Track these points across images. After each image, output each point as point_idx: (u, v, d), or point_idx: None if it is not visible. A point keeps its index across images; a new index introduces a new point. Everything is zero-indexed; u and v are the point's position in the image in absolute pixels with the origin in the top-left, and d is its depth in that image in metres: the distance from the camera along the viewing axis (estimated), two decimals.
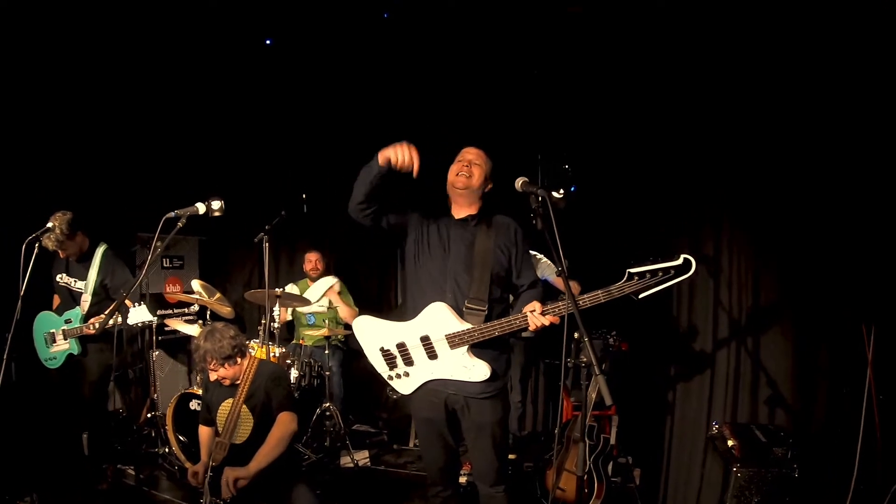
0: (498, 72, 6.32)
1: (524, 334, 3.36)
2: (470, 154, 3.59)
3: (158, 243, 3.60)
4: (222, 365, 3.99)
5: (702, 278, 4.83)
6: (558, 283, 5.09)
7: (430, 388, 3.53)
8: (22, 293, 4.52)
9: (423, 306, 3.46)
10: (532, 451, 6.16)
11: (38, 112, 5.94)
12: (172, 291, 7.59)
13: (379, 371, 3.64)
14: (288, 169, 8.06)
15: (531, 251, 3.83)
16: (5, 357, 4.26)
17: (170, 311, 7.58)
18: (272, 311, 6.09)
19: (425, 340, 3.44)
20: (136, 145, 6.89)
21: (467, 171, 3.53)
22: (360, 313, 3.71)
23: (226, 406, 4.10)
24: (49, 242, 4.92)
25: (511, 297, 3.71)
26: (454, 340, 3.38)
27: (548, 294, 3.67)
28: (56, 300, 5.52)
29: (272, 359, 5.77)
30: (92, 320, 5.10)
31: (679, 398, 5.16)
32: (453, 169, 3.59)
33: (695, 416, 4.93)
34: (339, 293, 7.11)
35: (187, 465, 5.39)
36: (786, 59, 4.40)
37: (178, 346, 7.38)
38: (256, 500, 3.91)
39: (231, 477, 3.74)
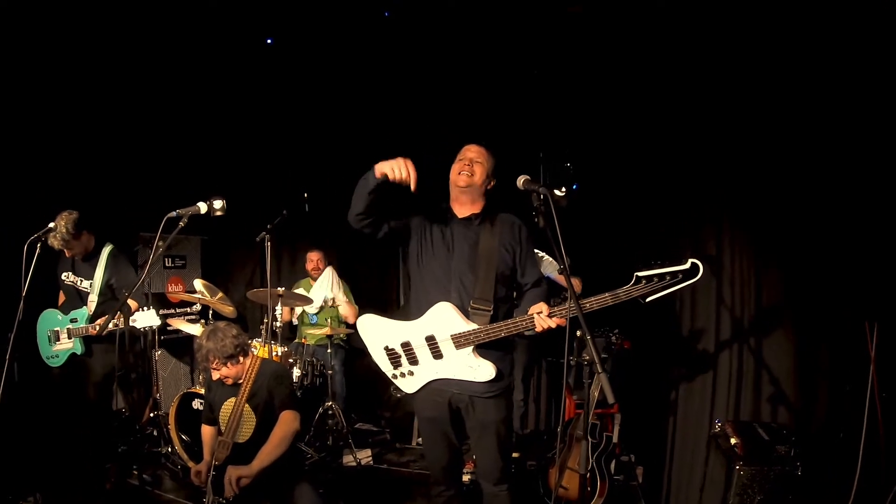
0: (499, 71, 6.32)
1: (527, 333, 3.35)
2: (471, 152, 3.57)
3: (160, 243, 3.60)
4: (225, 364, 3.99)
5: (704, 277, 4.79)
6: (560, 280, 5.08)
7: (435, 388, 3.52)
8: (24, 293, 4.53)
9: (427, 306, 3.45)
10: (535, 450, 6.16)
11: (41, 112, 5.95)
12: (175, 291, 7.59)
13: (383, 370, 3.63)
14: (289, 168, 8.07)
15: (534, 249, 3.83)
16: (8, 357, 4.27)
17: (172, 311, 7.58)
18: (274, 310, 6.10)
19: (430, 340, 3.44)
20: (137, 145, 6.89)
21: (469, 169, 3.51)
22: (362, 312, 3.69)
23: (228, 405, 4.11)
24: (55, 241, 4.93)
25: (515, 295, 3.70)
26: (460, 341, 3.37)
27: (550, 291, 3.67)
28: (62, 297, 5.52)
29: (274, 358, 5.78)
30: (97, 321, 5.10)
31: (681, 396, 5.16)
32: (455, 168, 3.58)
33: (697, 414, 4.93)
34: (341, 290, 7.14)
35: (190, 464, 5.39)
36: (787, 56, 4.40)
37: (181, 346, 7.39)
38: (259, 498, 3.91)
39: (234, 476, 3.74)
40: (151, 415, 6.37)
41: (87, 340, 5.21)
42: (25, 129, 5.88)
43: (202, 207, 3.64)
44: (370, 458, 6.39)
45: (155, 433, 6.25)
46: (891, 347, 3.93)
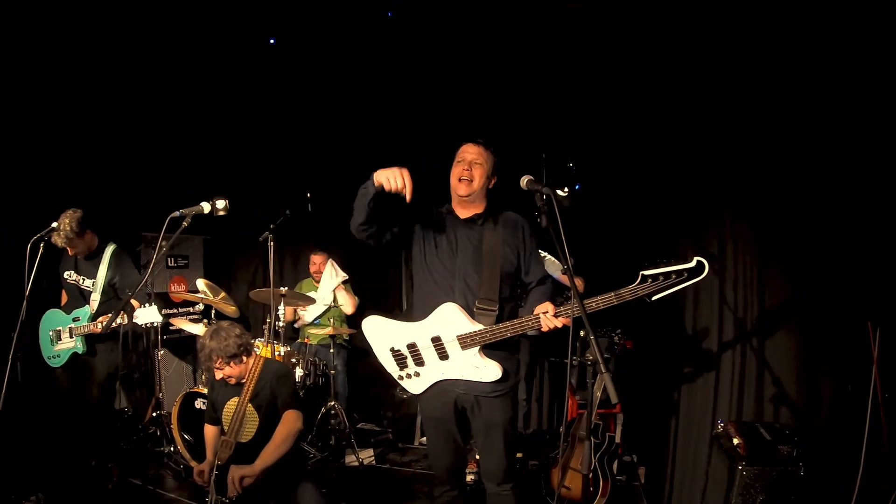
0: (501, 70, 6.31)
1: (530, 332, 3.35)
2: (470, 154, 3.54)
3: (164, 242, 3.61)
4: (228, 363, 4.00)
5: (707, 276, 4.82)
6: (564, 280, 5.09)
7: (440, 388, 3.52)
8: (27, 293, 4.53)
9: (433, 307, 3.44)
10: (537, 450, 6.16)
11: (44, 112, 5.95)
12: (177, 291, 7.60)
13: (389, 371, 3.63)
14: (292, 168, 8.07)
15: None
16: (11, 356, 4.27)
17: (175, 311, 7.59)
18: (277, 310, 6.10)
19: (436, 341, 3.43)
20: (140, 145, 6.90)
21: (468, 174, 3.49)
22: (366, 313, 3.69)
23: (231, 405, 4.11)
24: (58, 239, 4.92)
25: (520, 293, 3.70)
26: (466, 341, 3.37)
27: (553, 291, 3.67)
28: (64, 297, 5.52)
29: (277, 357, 5.78)
30: (100, 319, 5.10)
31: (684, 396, 5.16)
32: (454, 172, 3.56)
33: (700, 415, 4.93)
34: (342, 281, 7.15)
35: (192, 463, 5.40)
36: (792, 54, 4.39)
37: (183, 346, 7.41)
38: (262, 498, 3.91)
39: (237, 475, 3.75)
40: (154, 414, 6.38)
41: (90, 340, 5.21)
42: (29, 130, 5.88)
43: (205, 207, 3.64)
44: (372, 458, 6.40)
45: (157, 433, 6.26)
46: (894, 348, 3.92)
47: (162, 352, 6.54)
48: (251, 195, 7.24)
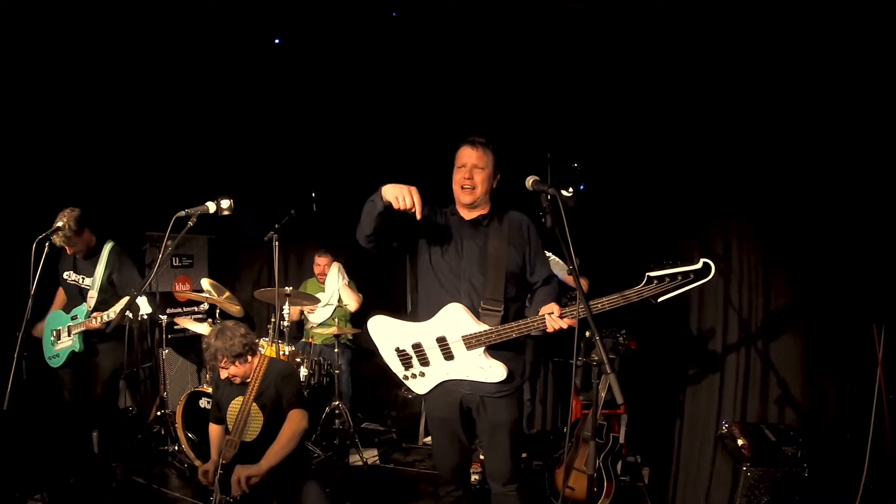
0: (505, 71, 6.31)
1: (535, 333, 3.35)
2: (470, 158, 3.49)
3: (169, 242, 3.61)
4: (233, 363, 4.00)
5: (713, 278, 4.82)
6: (568, 280, 5.09)
7: (446, 388, 3.52)
8: (32, 292, 4.55)
9: (438, 308, 3.44)
10: (541, 450, 6.16)
11: (49, 112, 5.98)
12: (182, 290, 7.62)
13: (394, 371, 3.63)
14: (297, 168, 8.08)
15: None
16: (16, 355, 4.28)
17: (179, 310, 7.60)
18: (282, 310, 6.11)
19: (441, 341, 3.44)
20: (144, 145, 6.92)
21: (470, 182, 3.46)
22: (371, 314, 3.69)
23: (236, 404, 4.12)
24: (57, 238, 4.92)
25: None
26: (471, 342, 3.37)
27: (559, 291, 3.67)
28: (58, 296, 5.51)
29: (282, 357, 5.79)
30: (94, 315, 5.09)
31: (688, 397, 5.16)
32: (456, 178, 3.54)
33: (704, 415, 4.93)
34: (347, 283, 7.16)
35: (197, 463, 5.41)
36: (798, 53, 4.39)
37: (188, 345, 7.42)
38: (267, 497, 3.92)
39: (243, 475, 3.75)
40: (158, 413, 6.40)
41: (89, 338, 5.19)
42: (34, 130, 5.90)
43: (210, 207, 3.63)
44: (376, 458, 6.41)
45: (162, 431, 6.28)
46: None
47: (166, 351, 6.55)
48: (256, 195, 7.25)
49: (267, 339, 6.06)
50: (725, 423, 4.54)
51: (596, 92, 6.17)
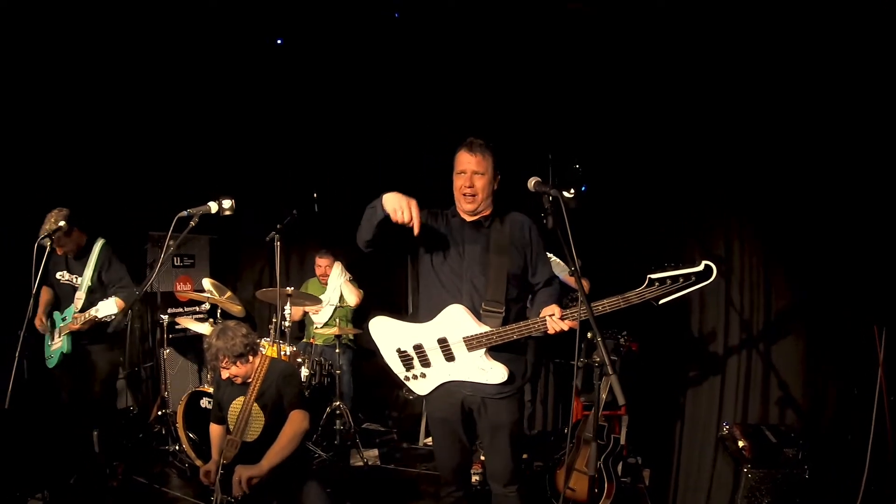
0: (506, 71, 6.32)
1: (535, 334, 3.35)
2: (470, 164, 3.45)
3: (171, 242, 3.61)
4: (234, 363, 4.00)
5: (714, 280, 4.82)
6: (570, 281, 5.09)
7: (447, 389, 3.52)
8: (34, 292, 4.56)
9: (439, 309, 3.44)
10: (542, 451, 6.16)
11: (50, 113, 5.99)
12: (183, 290, 7.62)
13: (395, 372, 3.63)
14: (298, 168, 8.08)
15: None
16: (17, 354, 4.28)
17: (181, 310, 7.61)
18: (283, 310, 6.11)
19: (443, 342, 3.44)
20: (146, 145, 6.93)
21: (471, 190, 3.45)
22: (372, 314, 3.69)
23: (237, 404, 4.12)
24: (43, 239, 4.92)
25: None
26: (472, 343, 3.37)
27: (560, 292, 3.66)
28: (43, 296, 5.45)
29: (283, 357, 5.79)
30: (75, 316, 5.07)
31: (689, 398, 5.16)
32: (456, 185, 3.52)
33: (705, 417, 4.93)
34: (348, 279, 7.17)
35: (198, 462, 5.41)
36: (799, 54, 4.39)
37: (189, 344, 7.43)
38: (268, 497, 3.92)
39: (245, 476, 3.75)
40: (159, 413, 6.40)
41: (79, 340, 5.20)
42: (35, 131, 5.92)
43: (212, 207, 3.64)
44: (377, 458, 6.40)
45: (163, 431, 6.29)
46: None
47: (168, 350, 6.56)
48: (257, 195, 7.27)
49: (268, 339, 6.07)
50: (726, 424, 4.54)
51: (597, 93, 6.17)
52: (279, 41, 6.51)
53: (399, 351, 3.56)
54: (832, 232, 4.26)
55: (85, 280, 5.21)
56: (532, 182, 3.25)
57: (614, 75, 5.89)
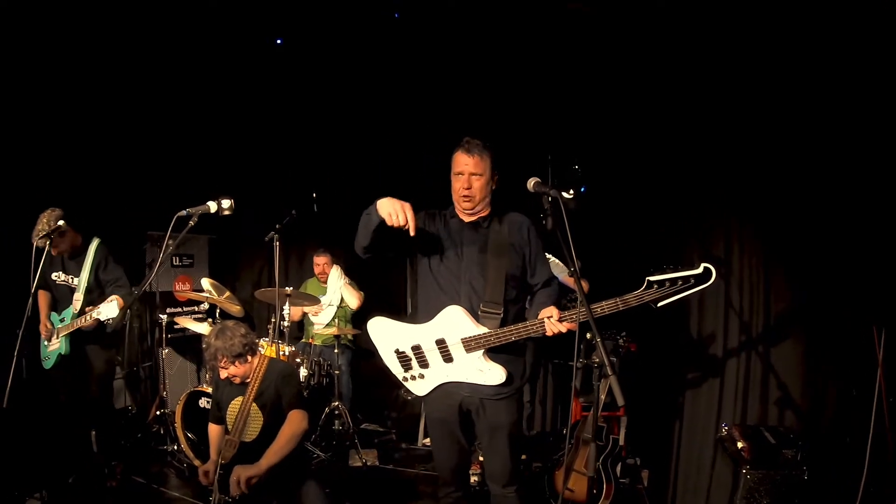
0: (505, 71, 6.31)
1: (533, 335, 3.34)
2: (467, 166, 3.44)
3: (170, 241, 3.61)
4: (233, 363, 3.99)
5: (712, 282, 4.82)
6: (569, 282, 5.09)
7: (445, 390, 3.51)
8: (33, 290, 4.56)
9: (437, 309, 3.43)
10: (541, 452, 6.16)
11: (50, 112, 5.99)
12: (182, 290, 7.62)
13: (393, 372, 3.62)
14: (298, 168, 8.07)
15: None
16: (16, 354, 4.28)
17: (179, 310, 7.60)
18: (282, 310, 6.11)
19: (441, 343, 3.43)
20: (146, 144, 6.92)
21: (469, 192, 3.44)
22: (371, 315, 3.69)
23: (236, 404, 4.11)
24: (39, 241, 4.91)
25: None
26: (470, 344, 3.36)
27: (559, 293, 3.66)
28: (42, 300, 5.47)
29: (282, 357, 5.79)
30: (88, 309, 5.06)
31: (688, 399, 5.16)
32: (455, 187, 3.51)
33: (704, 418, 4.93)
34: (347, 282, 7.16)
35: (196, 462, 5.41)
36: (798, 55, 4.39)
37: (188, 344, 7.42)
38: (266, 497, 3.91)
39: (244, 476, 3.74)
40: (158, 413, 6.40)
41: (77, 341, 5.19)
42: (34, 130, 5.92)
43: (212, 206, 3.63)
44: (376, 459, 6.39)
45: (161, 431, 6.29)
46: None
47: (166, 350, 6.55)
48: (256, 195, 7.25)
49: (267, 339, 6.06)
50: (725, 425, 4.54)
51: (597, 93, 6.17)
52: (279, 41, 6.50)
53: (397, 352, 3.55)
54: (831, 233, 4.26)
55: (82, 281, 5.20)
56: (531, 182, 3.24)
57: (614, 76, 5.89)
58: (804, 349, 4.47)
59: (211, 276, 7.54)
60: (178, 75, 6.57)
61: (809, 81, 4.35)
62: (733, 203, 4.82)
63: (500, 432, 3.50)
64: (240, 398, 4.09)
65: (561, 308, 3.31)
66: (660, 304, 3.18)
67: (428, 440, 6.55)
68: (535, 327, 3.29)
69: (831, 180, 4.27)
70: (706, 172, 5.04)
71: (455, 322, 3.39)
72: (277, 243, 5.78)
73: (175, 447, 5.89)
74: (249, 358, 4.07)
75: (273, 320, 6.08)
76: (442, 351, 3.43)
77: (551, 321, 3.24)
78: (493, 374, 3.36)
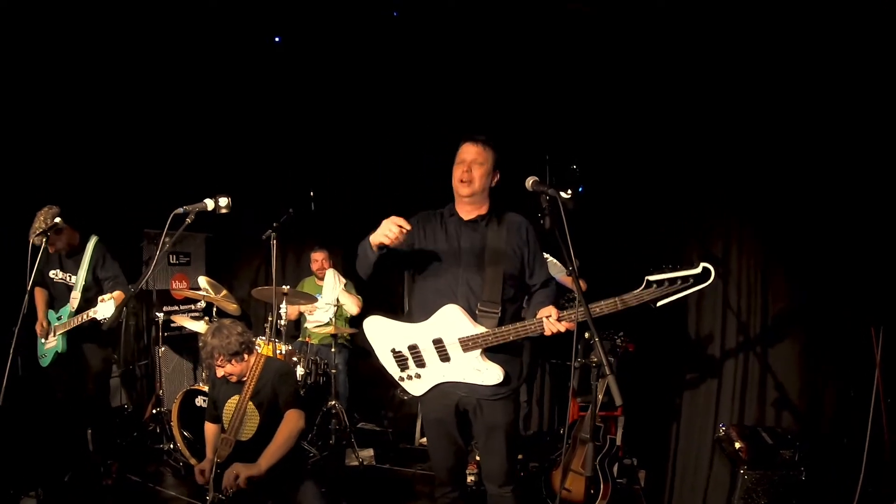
0: (504, 71, 6.31)
1: (531, 335, 3.33)
2: (469, 154, 3.48)
3: (167, 239, 3.60)
4: (230, 361, 3.98)
5: (711, 282, 4.82)
6: (567, 282, 5.08)
7: (442, 390, 3.49)
8: (29, 288, 4.54)
9: (434, 309, 3.41)
10: (538, 452, 6.15)
11: (48, 111, 5.98)
12: (179, 288, 7.61)
13: (390, 372, 3.61)
14: (296, 167, 8.06)
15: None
16: (12, 351, 4.27)
17: (176, 308, 7.59)
18: (279, 309, 6.10)
19: (438, 343, 3.41)
20: (144, 142, 6.91)
21: (468, 176, 3.45)
22: (368, 313, 3.67)
23: (232, 403, 4.10)
24: (36, 239, 4.90)
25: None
26: (467, 344, 3.34)
27: (557, 293, 3.65)
28: (39, 298, 5.45)
29: (278, 356, 5.78)
30: (88, 310, 5.05)
31: (686, 400, 5.16)
32: (455, 173, 3.52)
33: (702, 418, 4.92)
34: (345, 286, 7.14)
35: (192, 461, 5.40)
36: (798, 55, 4.39)
37: (184, 343, 7.40)
38: (263, 497, 3.90)
39: (244, 475, 3.72)
40: (154, 411, 6.39)
41: (74, 339, 5.18)
42: (32, 128, 5.90)
43: (209, 204, 3.62)
44: (372, 458, 6.39)
45: (157, 430, 6.27)
46: None
47: (163, 349, 6.55)
48: (254, 193, 7.23)
49: (264, 337, 6.05)
50: (723, 425, 4.54)
51: (596, 93, 6.17)
52: (277, 40, 6.49)
53: (393, 351, 3.54)
54: (830, 233, 4.27)
55: (80, 279, 5.19)
56: (530, 181, 3.23)
57: (613, 75, 5.88)
58: (802, 349, 4.47)
59: (208, 274, 7.52)
60: (177, 73, 6.56)
61: (809, 82, 4.35)
62: (733, 203, 4.82)
63: (497, 432, 3.48)
64: (236, 397, 4.07)
65: (559, 307, 3.30)
66: (659, 304, 3.17)
67: (425, 440, 6.54)
68: (533, 327, 3.28)
69: (830, 181, 4.27)
70: (706, 172, 5.03)
71: (452, 321, 3.38)
72: (275, 242, 5.77)
73: (171, 446, 5.88)
74: (246, 356, 4.06)
75: (270, 319, 6.07)
76: (439, 350, 3.42)
77: (550, 320, 3.23)
78: (490, 373, 3.35)
